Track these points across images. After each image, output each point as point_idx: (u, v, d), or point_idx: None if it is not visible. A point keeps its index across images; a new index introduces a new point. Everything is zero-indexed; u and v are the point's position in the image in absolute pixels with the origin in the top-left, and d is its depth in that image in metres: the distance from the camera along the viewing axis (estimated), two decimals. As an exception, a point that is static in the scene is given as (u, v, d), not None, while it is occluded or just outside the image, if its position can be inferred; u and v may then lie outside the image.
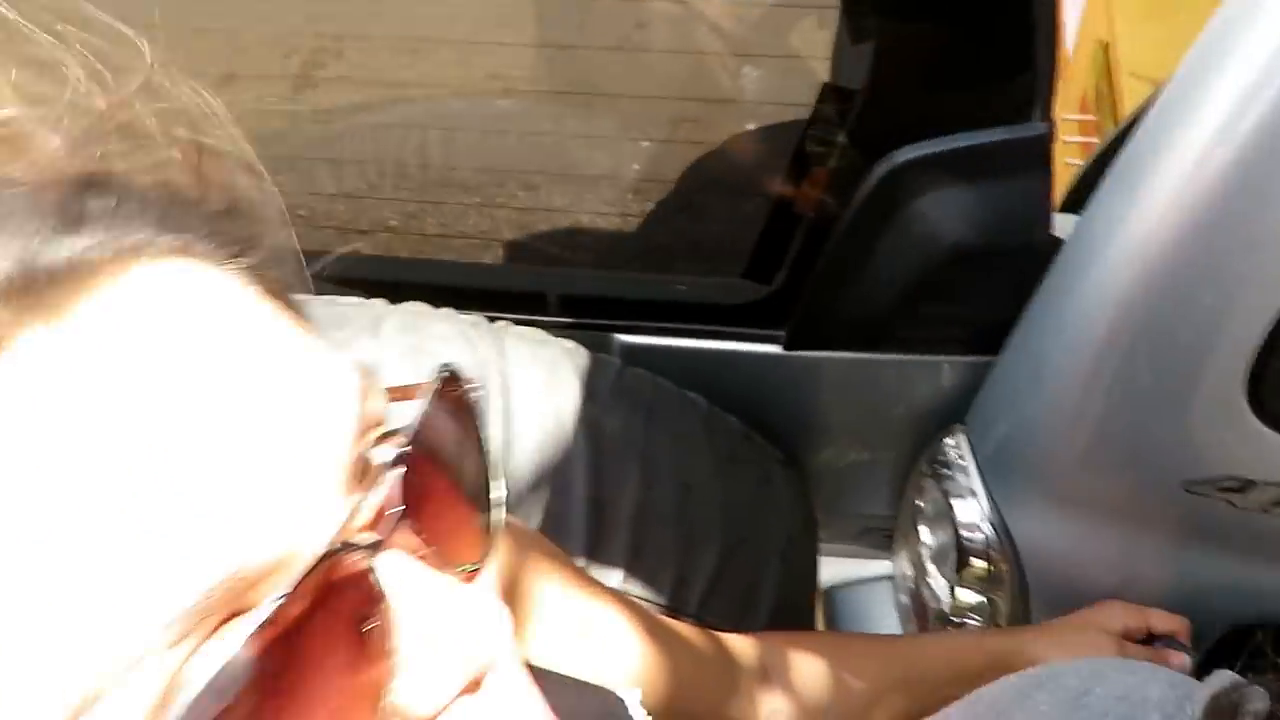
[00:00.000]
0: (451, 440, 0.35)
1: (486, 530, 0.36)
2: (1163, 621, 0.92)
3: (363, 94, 1.93)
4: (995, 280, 0.90)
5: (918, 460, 1.14)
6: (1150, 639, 0.92)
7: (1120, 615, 0.91)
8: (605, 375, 0.93)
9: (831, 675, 0.83)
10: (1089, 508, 0.95)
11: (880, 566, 1.35)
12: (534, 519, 0.85)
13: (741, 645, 0.78)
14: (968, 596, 1.07)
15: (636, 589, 0.83)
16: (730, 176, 1.58)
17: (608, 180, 1.85)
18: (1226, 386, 0.81)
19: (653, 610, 0.78)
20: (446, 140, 1.79)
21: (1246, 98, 0.68)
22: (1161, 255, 0.75)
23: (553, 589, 0.64)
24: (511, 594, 0.60)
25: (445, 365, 0.35)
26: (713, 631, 0.76)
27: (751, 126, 1.75)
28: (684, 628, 0.75)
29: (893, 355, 1.00)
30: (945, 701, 0.73)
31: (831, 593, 1.36)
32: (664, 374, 1.00)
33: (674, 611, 0.84)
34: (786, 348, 1.00)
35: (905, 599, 1.21)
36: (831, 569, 1.38)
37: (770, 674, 0.79)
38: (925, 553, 1.11)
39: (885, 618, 1.28)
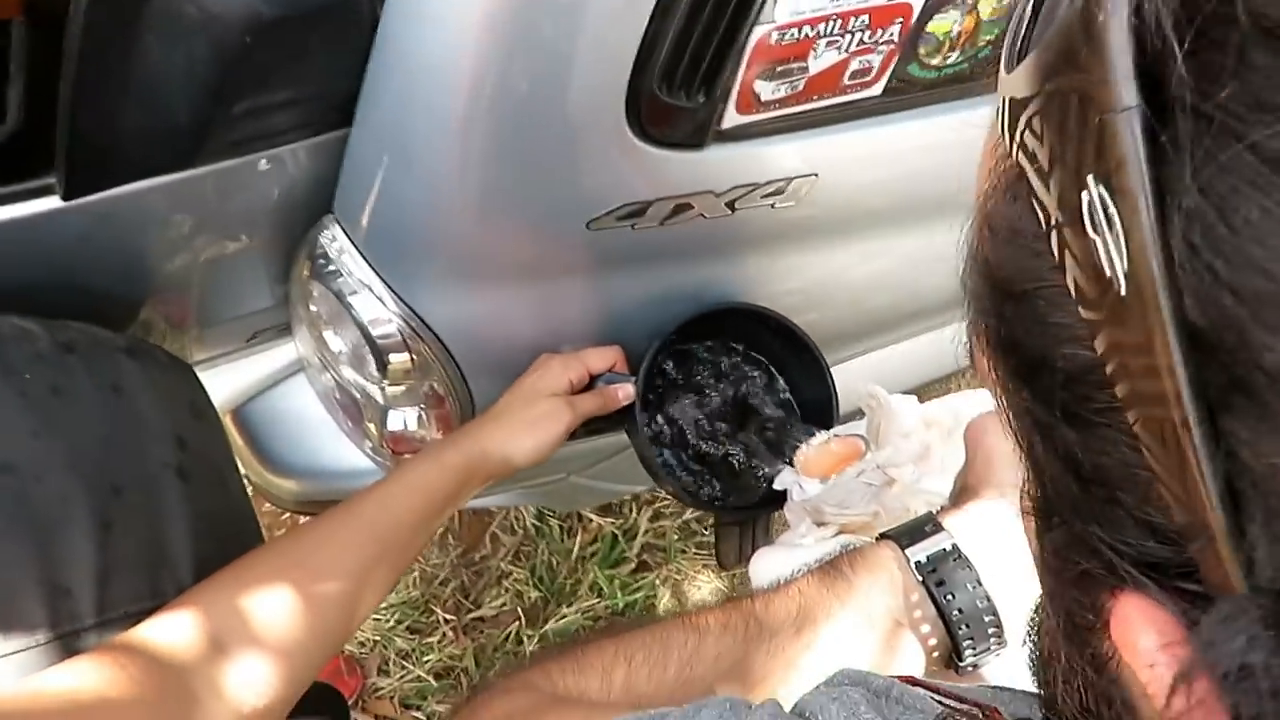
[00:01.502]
0: None
1: None
2: (598, 359, 0.89)
3: None
4: (319, 48, 0.68)
5: (295, 262, 0.94)
6: (593, 380, 0.89)
7: (559, 370, 0.86)
8: None
9: (301, 591, 0.68)
10: (495, 271, 0.85)
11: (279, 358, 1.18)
12: None
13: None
14: (401, 390, 0.95)
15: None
16: None
17: None
18: (609, 114, 0.72)
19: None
20: None
21: None
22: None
23: None
24: None
25: None
26: None
27: None
28: None
29: (223, 163, 0.75)
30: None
31: (243, 413, 1.16)
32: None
33: (68, 635, 0.60)
34: (66, 197, 0.71)
35: (336, 404, 1.06)
36: (232, 384, 1.17)
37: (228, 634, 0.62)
38: (341, 359, 0.95)
39: (315, 419, 1.14)
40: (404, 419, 1.00)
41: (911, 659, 0.57)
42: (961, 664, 0.57)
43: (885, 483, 0.81)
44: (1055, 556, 0.27)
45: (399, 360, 0.89)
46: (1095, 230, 0.20)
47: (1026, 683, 0.61)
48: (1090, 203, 0.20)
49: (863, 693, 0.39)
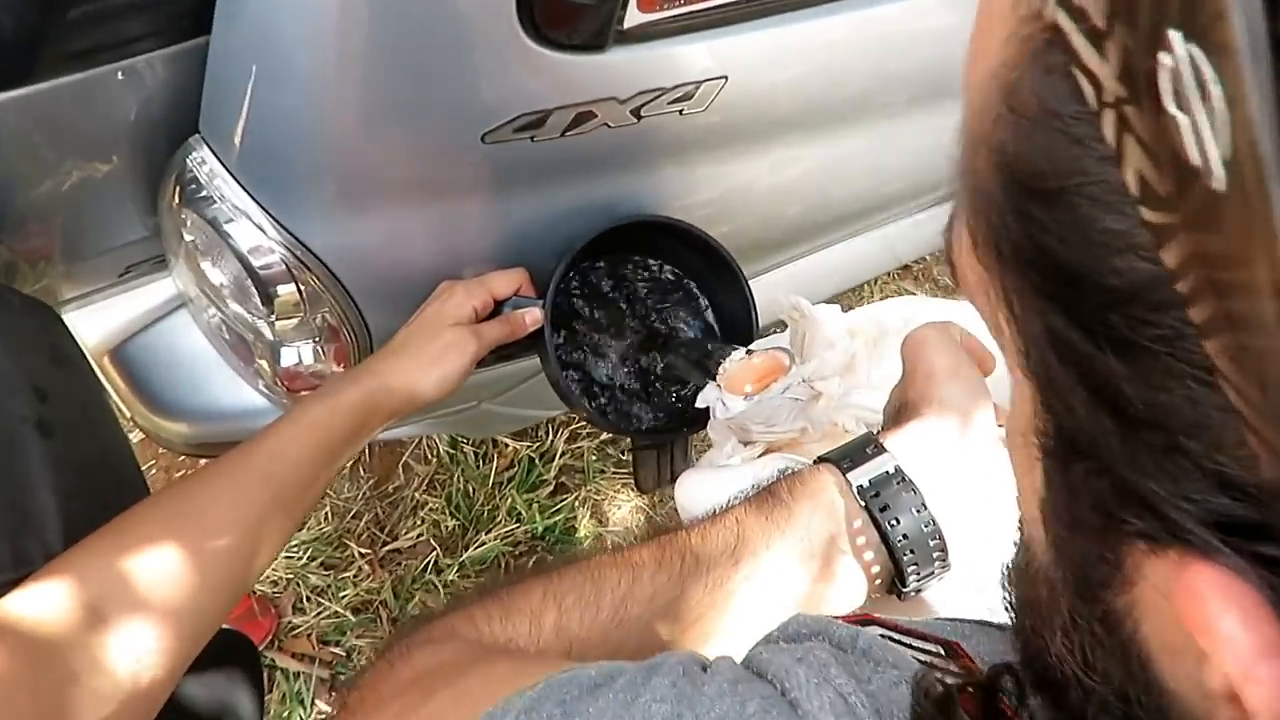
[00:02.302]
0: None
1: None
2: (503, 283, 0.83)
3: None
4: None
5: (162, 188, 0.85)
6: (498, 305, 0.84)
7: (461, 297, 0.80)
8: None
9: (188, 548, 0.62)
10: (384, 192, 0.78)
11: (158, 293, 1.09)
12: None
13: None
14: (291, 324, 0.88)
15: None
16: None
17: None
18: (500, 13, 0.66)
19: None
20: None
21: None
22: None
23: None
24: None
25: None
26: None
27: None
28: None
29: (70, 76, 0.67)
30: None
31: (123, 353, 1.08)
32: None
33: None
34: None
35: (224, 342, 0.99)
36: (108, 323, 1.08)
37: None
38: (224, 293, 0.88)
39: (204, 356, 1.06)
40: (298, 354, 0.93)
41: (853, 587, 0.54)
42: (905, 590, 0.54)
43: (812, 397, 0.78)
44: (1068, 504, 0.23)
45: (285, 292, 0.82)
46: (1178, 105, 0.15)
47: (970, 606, 0.60)
48: (1173, 69, 0.15)
49: (828, 649, 0.36)
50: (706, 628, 0.52)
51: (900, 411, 0.58)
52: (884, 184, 1.15)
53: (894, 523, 0.52)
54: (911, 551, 0.53)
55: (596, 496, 1.85)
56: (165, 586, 0.60)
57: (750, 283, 0.91)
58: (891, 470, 0.54)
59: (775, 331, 0.93)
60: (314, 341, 0.91)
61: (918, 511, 0.53)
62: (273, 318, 0.85)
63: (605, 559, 0.54)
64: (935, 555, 0.54)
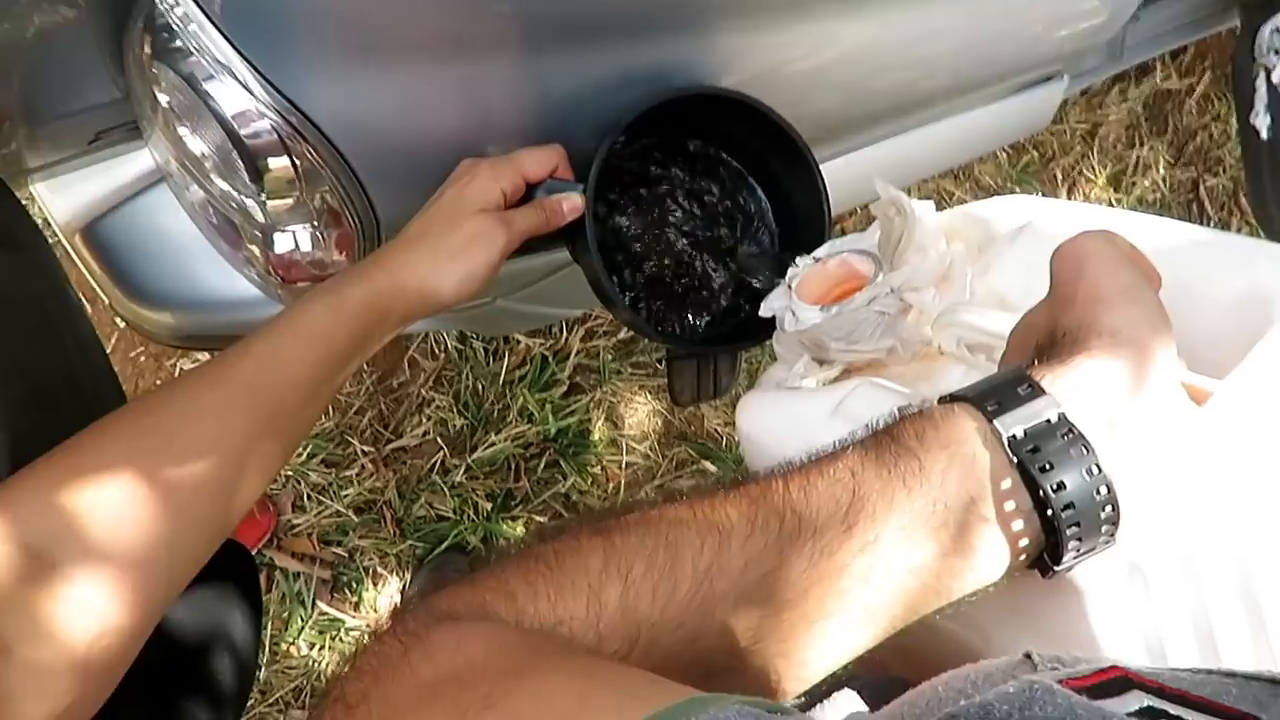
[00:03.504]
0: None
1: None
2: (536, 164, 0.70)
3: None
4: None
5: (128, 37, 0.71)
6: (530, 189, 0.71)
7: (488, 179, 0.67)
8: None
9: (159, 478, 0.51)
10: (397, 46, 0.64)
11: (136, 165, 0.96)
12: None
13: None
14: (285, 205, 0.75)
15: None
16: None
17: None
18: None
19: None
20: None
21: None
22: None
23: None
24: None
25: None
26: None
27: None
28: None
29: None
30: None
31: (96, 232, 0.95)
32: None
33: None
34: None
35: (209, 224, 0.86)
36: (78, 196, 0.95)
37: None
38: (207, 167, 0.75)
39: (190, 236, 0.93)
40: (293, 240, 0.80)
41: (994, 563, 0.43)
42: (1057, 569, 0.43)
43: (901, 310, 0.66)
44: None
45: (277, 167, 0.69)
46: None
47: (1119, 589, 0.49)
48: None
49: None
50: (809, 609, 0.41)
51: (1053, 342, 0.46)
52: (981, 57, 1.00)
53: (1057, 487, 0.41)
54: (1077, 525, 0.41)
55: (612, 399, 1.75)
56: (128, 527, 0.49)
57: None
58: (1054, 419, 0.42)
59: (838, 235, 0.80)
60: (312, 226, 0.78)
61: (1090, 474, 0.41)
62: (263, 197, 0.73)
63: (681, 513, 0.42)
64: (1105, 529, 0.42)
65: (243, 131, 0.67)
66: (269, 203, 0.75)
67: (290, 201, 0.75)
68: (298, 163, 0.70)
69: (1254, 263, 0.57)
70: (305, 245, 0.82)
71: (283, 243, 0.80)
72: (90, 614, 0.46)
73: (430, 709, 0.31)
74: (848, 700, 0.57)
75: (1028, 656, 0.34)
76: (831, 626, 0.42)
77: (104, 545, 0.47)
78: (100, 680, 0.47)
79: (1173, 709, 0.27)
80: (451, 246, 0.65)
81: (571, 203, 0.70)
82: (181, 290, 0.97)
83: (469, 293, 0.66)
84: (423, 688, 0.32)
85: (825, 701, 0.57)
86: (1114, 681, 0.28)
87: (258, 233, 0.80)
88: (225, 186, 0.75)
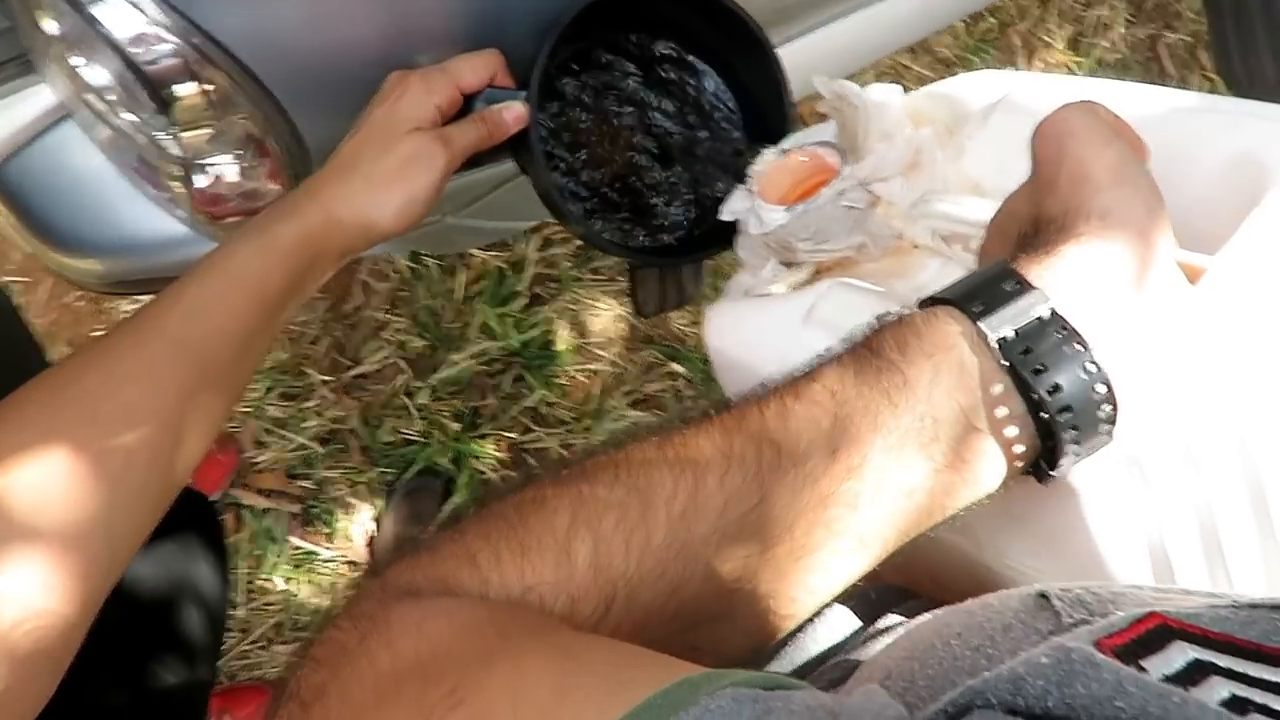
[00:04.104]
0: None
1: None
2: (472, 72, 0.64)
3: None
4: None
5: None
6: (468, 101, 0.65)
7: (420, 94, 0.62)
8: None
9: (87, 452, 0.47)
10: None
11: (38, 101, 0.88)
12: None
13: None
14: (202, 135, 0.69)
15: None
16: None
17: None
18: None
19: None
20: None
21: None
22: None
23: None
24: None
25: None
26: None
27: None
28: None
29: None
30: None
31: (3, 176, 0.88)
32: None
33: None
34: None
35: (124, 162, 0.79)
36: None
37: None
38: (110, 100, 0.68)
39: (108, 176, 0.86)
40: (217, 172, 0.75)
41: (989, 474, 0.40)
42: (1054, 474, 0.41)
43: (870, 204, 0.62)
44: None
45: (185, 94, 0.63)
46: None
47: (1119, 482, 0.47)
48: None
49: None
50: (796, 544, 0.38)
51: (1037, 230, 0.42)
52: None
53: (1053, 389, 0.38)
54: (1076, 428, 0.39)
55: (574, 307, 1.70)
56: (55, 508, 0.45)
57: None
58: (1046, 316, 0.38)
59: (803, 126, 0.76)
60: (235, 156, 0.72)
61: (1086, 372, 0.38)
62: (175, 129, 0.67)
63: (650, 454, 0.39)
64: (1103, 429, 0.39)
65: (141, 58, 0.61)
66: (184, 135, 0.69)
67: (207, 131, 0.69)
68: (207, 88, 0.64)
69: (1244, 125, 0.53)
70: (231, 177, 0.76)
71: (205, 177, 0.74)
72: (13, 603, 0.43)
73: (392, 706, 0.28)
74: (840, 617, 0.55)
75: (1044, 596, 0.32)
76: (822, 559, 0.39)
77: (27, 530, 0.43)
78: (37, 669, 0.44)
79: (1222, 660, 0.25)
80: (387, 172, 0.60)
81: (514, 112, 0.64)
82: (105, 235, 0.91)
83: (411, 220, 0.61)
84: (382, 681, 0.29)
85: (817, 619, 0.55)
86: (1154, 633, 0.26)
87: (176, 168, 0.74)
88: (133, 120, 0.69)
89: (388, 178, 0.59)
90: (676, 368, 1.68)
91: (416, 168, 0.60)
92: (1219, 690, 0.24)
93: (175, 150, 0.70)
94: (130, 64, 0.62)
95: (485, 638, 0.31)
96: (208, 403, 0.53)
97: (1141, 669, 0.24)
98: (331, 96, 0.65)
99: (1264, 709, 0.24)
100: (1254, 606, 0.28)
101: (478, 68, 0.64)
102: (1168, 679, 0.24)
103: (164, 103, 0.64)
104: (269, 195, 0.77)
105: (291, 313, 0.60)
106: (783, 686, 0.26)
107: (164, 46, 0.61)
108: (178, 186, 0.78)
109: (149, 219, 0.88)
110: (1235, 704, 0.24)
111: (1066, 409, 0.38)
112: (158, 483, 0.50)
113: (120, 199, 0.88)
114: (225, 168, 0.73)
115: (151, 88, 0.63)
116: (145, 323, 0.52)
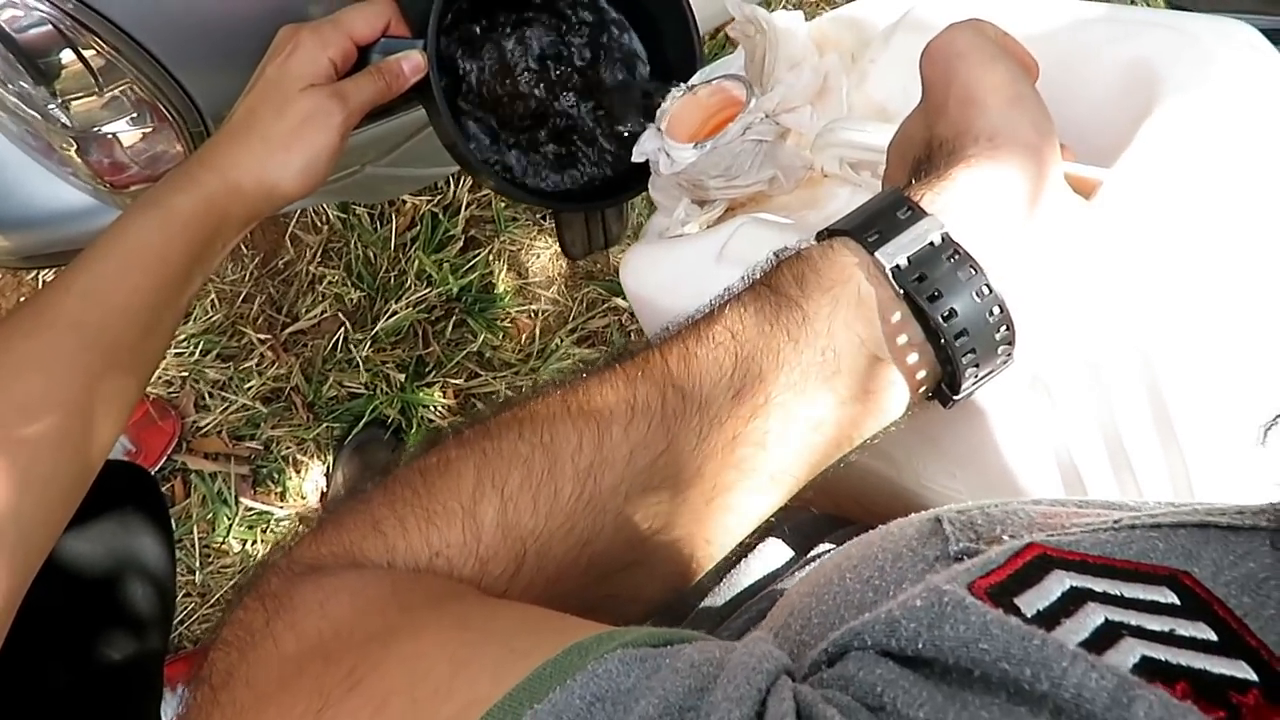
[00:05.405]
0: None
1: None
2: (365, 22, 0.62)
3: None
4: None
5: None
6: (362, 53, 0.63)
7: (312, 48, 0.60)
8: None
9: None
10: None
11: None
12: None
13: None
14: (91, 105, 0.66)
15: None
16: None
17: None
18: None
19: None
20: None
21: None
22: None
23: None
24: None
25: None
26: None
27: None
28: None
29: None
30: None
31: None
32: None
33: None
34: None
35: (16, 137, 0.76)
36: None
37: None
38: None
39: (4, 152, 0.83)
40: (112, 141, 0.72)
41: (893, 403, 0.41)
42: (956, 398, 0.41)
43: (779, 135, 0.62)
44: None
45: (65, 62, 0.61)
46: None
47: (1023, 401, 0.48)
48: None
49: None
50: (706, 487, 0.39)
51: (930, 154, 0.42)
52: None
53: (948, 314, 0.38)
54: (973, 351, 0.39)
55: (511, 247, 1.69)
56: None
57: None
58: (938, 241, 0.38)
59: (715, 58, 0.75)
60: (129, 121, 0.70)
61: (980, 296, 0.38)
62: (60, 100, 0.64)
63: (554, 407, 0.39)
64: (1001, 351, 0.40)
65: (11, 29, 0.58)
66: (72, 105, 0.66)
67: (95, 100, 0.67)
68: (86, 54, 0.61)
69: (1139, 34, 0.53)
70: (128, 143, 0.73)
71: (100, 146, 0.72)
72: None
73: (293, 690, 0.28)
74: (774, 548, 0.56)
75: (938, 520, 0.32)
76: (734, 500, 0.40)
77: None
78: None
79: (1099, 585, 0.25)
80: (283, 133, 0.58)
81: (412, 62, 0.63)
82: (7, 209, 0.88)
83: (314, 180, 0.60)
84: (286, 663, 0.29)
85: (751, 553, 0.56)
86: (1032, 565, 0.26)
87: (70, 140, 0.71)
88: (18, 93, 0.66)
89: (285, 139, 0.58)
90: (619, 302, 1.68)
91: (314, 126, 0.58)
92: (1093, 618, 0.25)
93: (66, 121, 0.68)
94: (3, 36, 0.59)
95: (386, 614, 0.31)
96: (116, 384, 0.52)
97: (1014, 607, 0.25)
98: (220, 55, 0.63)
99: (1137, 630, 0.25)
100: (1132, 527, 0.28)
101: (370, 18, 0.62)
102: (1042, 612, 0.25)
103: (43, 73, 0.61)
104: (175, 158, 0.74)
105: (199, 284, 0.58)
106: (674, 641, 0.27)
107: (32, 14, 0.58)
108: (76, 159, 0.75)
109: (53, 190, 0.85)
110: (1107, 629, 0.24)
111: (963, 333, 0.39)
112: (71, 470, 0.50)
113: (21, 170, 0.85)
114: (121, 135, 0.71)
115: (27, 59, 0.60)
116: (42, 308, 0.51)
